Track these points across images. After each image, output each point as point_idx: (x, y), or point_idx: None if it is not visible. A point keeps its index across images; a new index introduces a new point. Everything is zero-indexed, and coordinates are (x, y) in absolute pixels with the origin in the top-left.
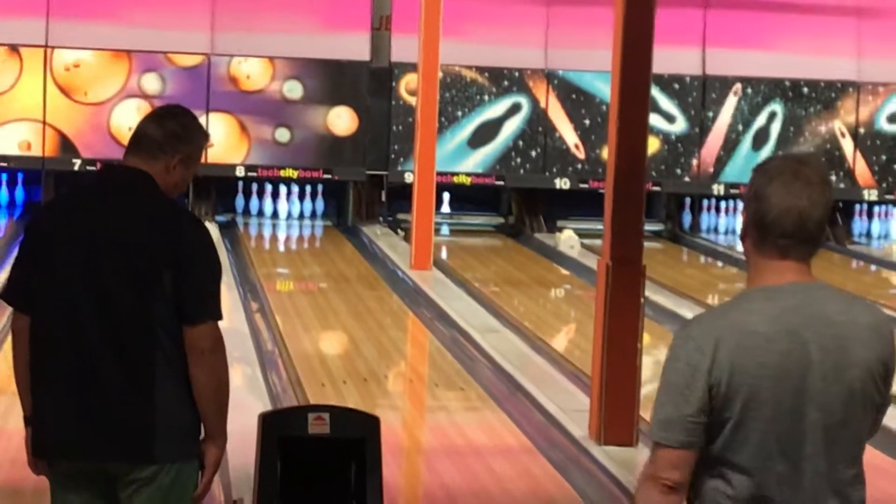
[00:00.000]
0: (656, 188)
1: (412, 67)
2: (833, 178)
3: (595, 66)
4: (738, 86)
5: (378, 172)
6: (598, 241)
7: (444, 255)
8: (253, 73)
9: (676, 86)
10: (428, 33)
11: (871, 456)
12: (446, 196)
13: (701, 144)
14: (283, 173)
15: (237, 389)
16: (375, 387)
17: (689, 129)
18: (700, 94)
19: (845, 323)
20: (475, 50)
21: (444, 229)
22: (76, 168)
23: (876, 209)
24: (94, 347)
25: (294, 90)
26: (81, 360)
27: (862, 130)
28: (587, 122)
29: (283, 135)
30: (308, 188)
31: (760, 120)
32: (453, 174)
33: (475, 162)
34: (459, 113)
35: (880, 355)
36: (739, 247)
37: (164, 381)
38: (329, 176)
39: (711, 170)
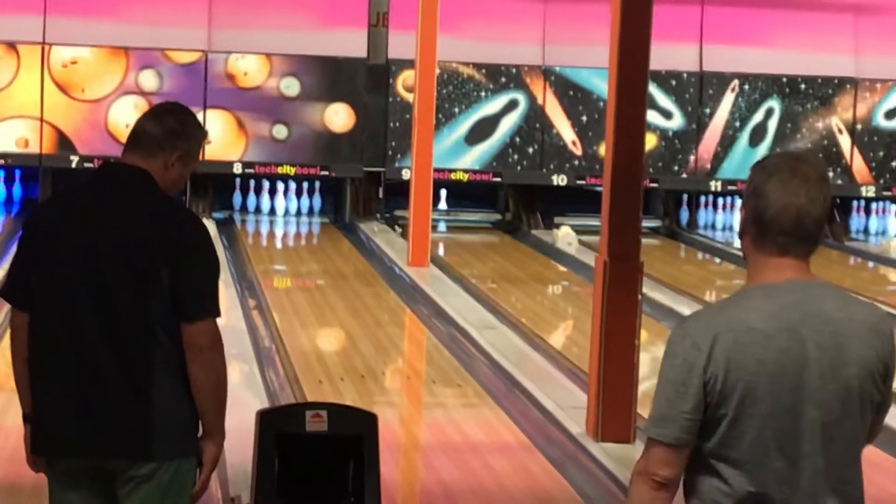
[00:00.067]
0: (653, 185)
1: (409, 64)
2: (830, 174)
3: (592, 62)
4: (736, 82)
5: (375, 169)
6: (595, 238)
7: (441, 251)
8: (250, 69)
9: (674, 82)
10: (425, 30)
11: (870, 453)
12: (443, 193)
13: (698, 141)
14: (280, 170)
15: (234, 386)
16: (373, 383)
17: (686, 126)
18: (697, 91)
19: (843, 320)
20: (472, 46)
21: (442, 226)
22: (73, 165)
23: (873, 205)
24: (92, 345)
25: (291, 87)
26: (80, 358)
27: (859, 127)
28: (584, 118)
29: (280, 131)
30: (305, 185)
31: (758, 116)
32: (450, 171)
33: (472, 158)
34: (456, 109)
35: (879, 354)
36: (737, 243)
37: (163, 378)
38: (326, 173)
39: (709, 166)
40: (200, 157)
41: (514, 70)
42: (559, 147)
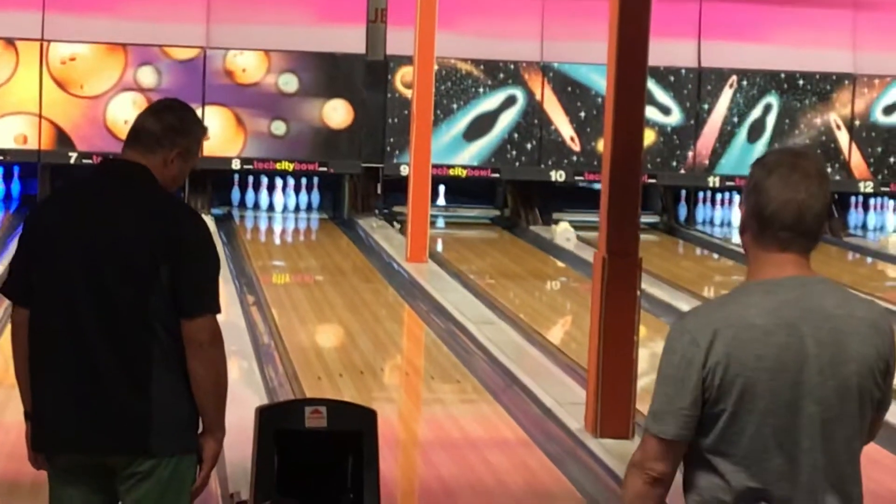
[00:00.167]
0: (652, 180)
1: (408, 60)
2: (829, 170)
3: (590, 58)
4: (734, 78)
5: (374, 165)
6: (594, 234)
7: (439, 247)
8: (249, 66)
9: (672, 78)
10: (423, 26)
11: (869, 449)
12: (442, 188)
13: (696, 136)
14: (278, 166)
15: (233, 383)
16: (371, 379)
17: (684, 122)
18: (696, 87)
19: (843, 317)
20: (471, 42)
21: (440, 222)
22: (72, 161)
23: (871, 201)
24: (92, 341)
25: (290, 83)
26: (79, 355)
27: (857, 123)
28: (583, 114)
29: (278, 128)
30: (304, 181)
31: (756, 112)
32: (449, 167)
33: (471, 154)
34: (455, 106)
35: (880, 350)
36: (735, 239)
37: (163, 374)
38: (325, 169)
39: (707, 162)
40: (199, 154)
41: (512, 66)
42: (557, 143)
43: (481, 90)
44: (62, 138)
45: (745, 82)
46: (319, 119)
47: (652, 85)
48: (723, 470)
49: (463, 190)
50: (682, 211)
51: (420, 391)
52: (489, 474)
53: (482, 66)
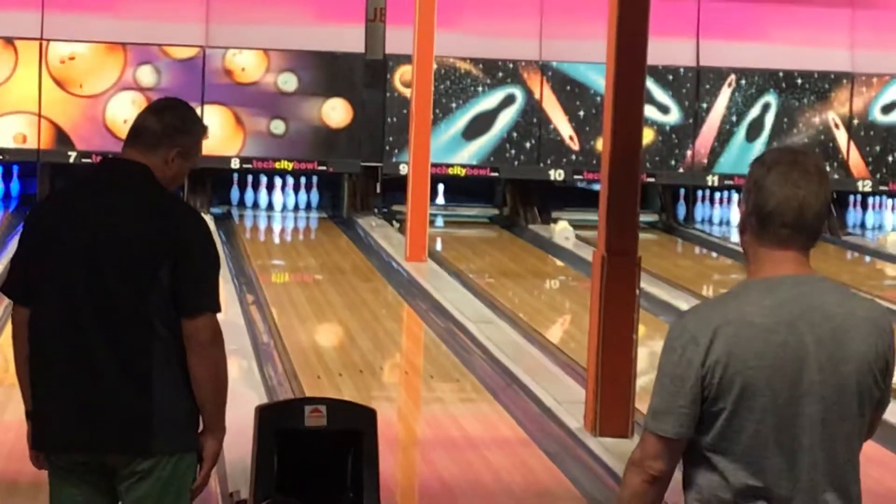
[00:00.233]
0: (651, 179)
1: (407, 59)
2: (827, 169)
3: (589, 57)
4: (732, 77)
5: (373, 164)
6: (592, 233)
7: (438, 246)
8: (248, 65)
9: (671, 77)
10: (422, 25)
11: (868, 448)
12: (441, 187)
13: (695, 135)
14: (278, 165)
15: (233, 382)
16: (371, 378)
17: (683, 120)
18: (694, 85)
19: (844, 315)
20: (469, 41)
21: (439, 221)
22: (71, 160)
23: (870, 200)
24: (92, 340)
25: (289, 82)
26: (80, 354)
27: (856, 121)
28: (581, 113)
29: (277, 127)
30: (303, 180)
31: (754, 111)
32: (448, 166)
33: (470, 153)
34: (454, 105)
35: (879, 349)
36: (734, 237)
37: (163, 373)
38: (324, 168)
39: (706, 161)
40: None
41: (511, 65)
42: (556, 142)
43: (480, 89)
44: (61, 137)
45: (743, 81)
46: (318, 118)
47: (651, 84)
48: (722, 468)
49: (462, 189)
50: (681, 210)
51: (419, 390)
52: (488, 473)
53: (481, 65)
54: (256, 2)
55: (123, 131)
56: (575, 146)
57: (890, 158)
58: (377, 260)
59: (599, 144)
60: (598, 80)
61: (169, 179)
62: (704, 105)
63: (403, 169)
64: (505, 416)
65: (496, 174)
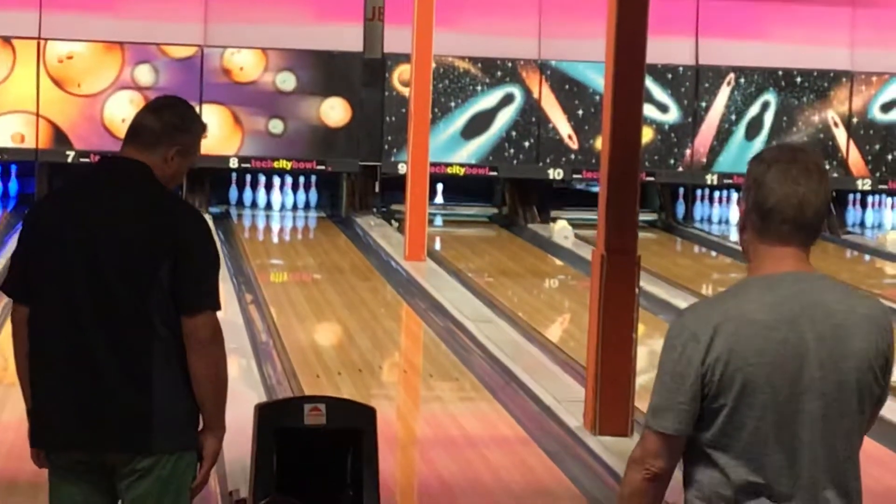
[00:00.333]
0: (650, 178)
1: (405, 58)
2: (826, 167)
3: (588, 56)
4: (732, 75)
5: (371, 163)
6: (592, 232)
7: (437, 245)
8: (246, 64)
9: (670, 76)
10: (421, 24)
11: (868, 446)
12: (440, 187)
13: (694, 134)
14: (276, 164)
15: (232, 381)
16: (370, 377)
17: (682, 119)
18: (693, 84)
19: (844, 313)
20: (468, 40)
21: (438, 220)
22: (69, 160)
23: (869, 199)
24: (92, 339)
25: (287, 81)
26: (79, 352)
27: (855, 120)
28: (580, 112)
29: (276, 126)
30: (302, 179)
31: (754, 110)
32: (447, 165)
33: (468, 153)
34: (453, 104)
35: (880, 347)
36: (733, 236)
37: (162, 371)
38: (323, 167)
39: (705, 160)
40: (198, 151)
41: (510, 64)
42: (555, 141)
43: (479, 88)
44: (59, 137)
45: (742, 80)
46: (317, 117)
47: (650, 82)
48: (723, 464)
49: (461, 188)
50: (680, 208)
51: (418, 389)
52: (488, 472)
53: (480, 64)
54: (255, 1)
55: (122, 130)
56: (574, 145)
57: (889, 157)
58: (376, 259)
59: (598, 143)
60: (597, 79)
61: (168, 178)
62: (703, 104)
63: (402, 168)
64: (504, 415)
65: (495, 173)
